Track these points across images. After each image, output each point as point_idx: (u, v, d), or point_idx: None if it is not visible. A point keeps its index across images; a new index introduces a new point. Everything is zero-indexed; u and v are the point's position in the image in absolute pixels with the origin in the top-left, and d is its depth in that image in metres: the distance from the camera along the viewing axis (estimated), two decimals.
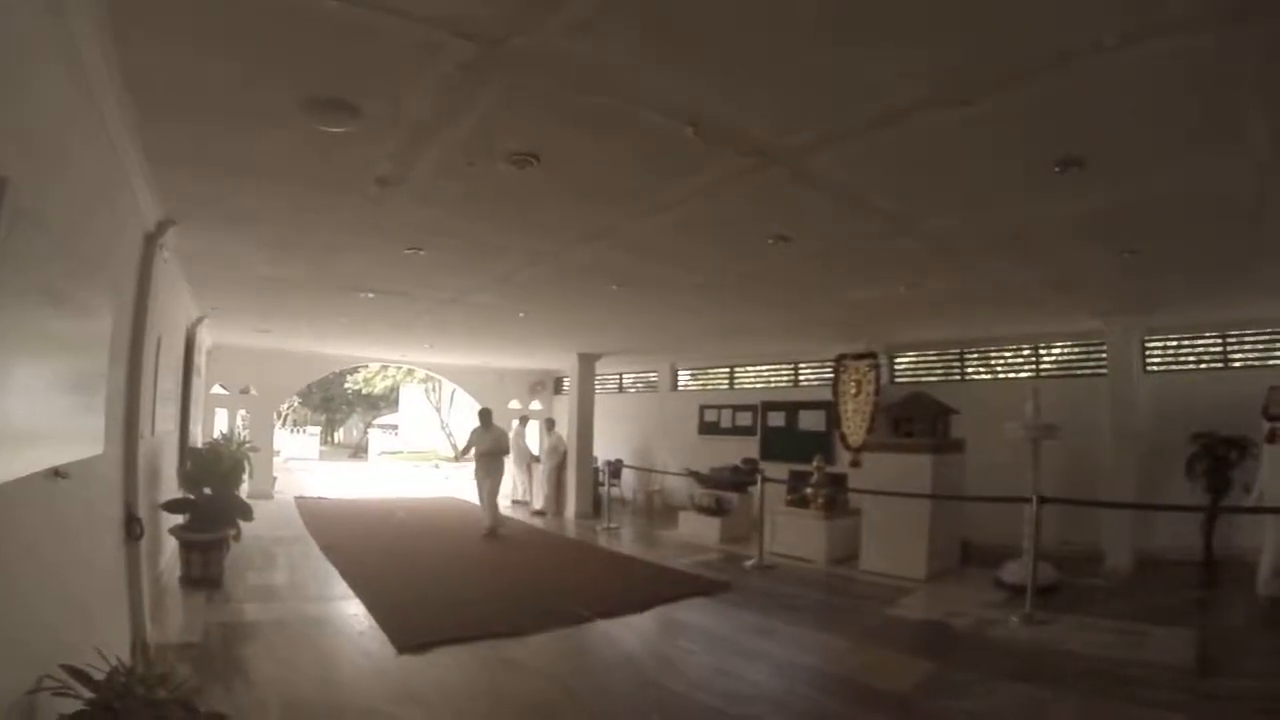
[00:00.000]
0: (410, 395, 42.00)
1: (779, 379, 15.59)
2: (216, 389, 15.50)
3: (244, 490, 9.06)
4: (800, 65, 3.11)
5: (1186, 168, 4.27)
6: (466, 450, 12.93)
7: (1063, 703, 4.96)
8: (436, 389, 36.96)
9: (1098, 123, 3.66)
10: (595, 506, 14.63)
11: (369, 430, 44.39)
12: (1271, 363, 9.48)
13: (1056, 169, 4.22)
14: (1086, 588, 8.20)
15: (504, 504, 16.19)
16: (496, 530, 11.97)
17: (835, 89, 3.34)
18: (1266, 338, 9.66)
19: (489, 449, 12.42)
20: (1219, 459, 8.76)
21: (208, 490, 7.91)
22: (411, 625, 6.45)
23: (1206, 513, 8.71)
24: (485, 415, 12.93)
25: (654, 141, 3.95)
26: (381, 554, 9.98)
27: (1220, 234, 5.69)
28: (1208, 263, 6.65)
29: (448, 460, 31.25)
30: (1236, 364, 9.85)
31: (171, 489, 7.83)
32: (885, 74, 3.17)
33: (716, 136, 3.87)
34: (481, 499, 12.33)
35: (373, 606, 7.08)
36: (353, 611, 7.03)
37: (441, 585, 8.30)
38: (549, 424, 16.09)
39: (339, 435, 49.53)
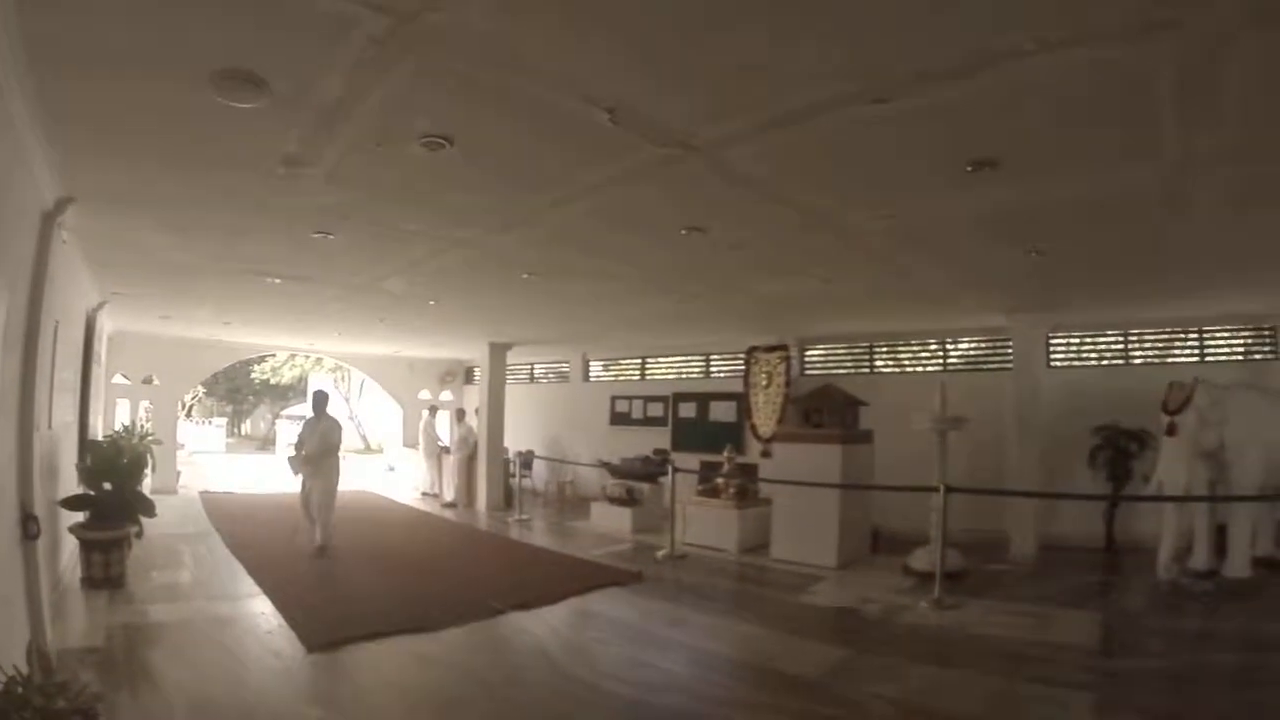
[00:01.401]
0: (319, 385, 41.13)
1: (691, 370, 15.74)
2: (118, 379, 14.86)
3: (147, 485, 8.77)
4: (720, 57, 3.10)
5: (1097, 173, 4.43)
6: (300, 448, 9.95)
7: (972, 684, 5.14)
8: (345, 378, 36.38)
9: (1010, 125, 3.75)
10: (507, 498, 14.52)
11: (277, 421, 43.21)
12: (1170, 360, 10.08)
13: (969, 168, 4.32)
14: (993, 573, 8.51)
15: (414, 496, 16.10)
16: (326, 547, 9.58)
17: (754, 83, 3.34)
18: (1166, 337, 10.26)
19: (316, 445, 9.83)
20: (1120, 450, 9.29)
21: (108, 486, 7.59)
22: (321, 623, 6.31)
23: (1108, 501, 9.20)
24: (319, 400, 10.25)
25: (570, 128, 3.89)
26: (290, 550, 9.70)
27: (1126, 237, 5.94)
28: (1113, 264, 6.94)
29: (356, 452, 30.77)
30: (1137, 361, 10.40)
31: (70, 485, 7.44)
32: (804, 69, 3.18)
33: (634, 125, 3.83)
34: (308, 506, 9.84)
35: (282, 604, 6.90)
36: (261, 610, 6.84)
37: (352, 581, 8.14)
38: (459, 414, 15.93)
39: (246, 427, 48.11)
